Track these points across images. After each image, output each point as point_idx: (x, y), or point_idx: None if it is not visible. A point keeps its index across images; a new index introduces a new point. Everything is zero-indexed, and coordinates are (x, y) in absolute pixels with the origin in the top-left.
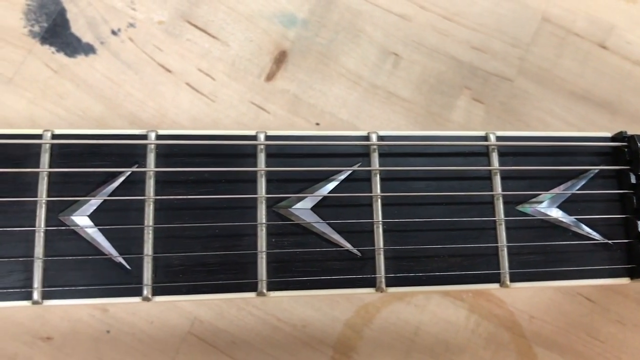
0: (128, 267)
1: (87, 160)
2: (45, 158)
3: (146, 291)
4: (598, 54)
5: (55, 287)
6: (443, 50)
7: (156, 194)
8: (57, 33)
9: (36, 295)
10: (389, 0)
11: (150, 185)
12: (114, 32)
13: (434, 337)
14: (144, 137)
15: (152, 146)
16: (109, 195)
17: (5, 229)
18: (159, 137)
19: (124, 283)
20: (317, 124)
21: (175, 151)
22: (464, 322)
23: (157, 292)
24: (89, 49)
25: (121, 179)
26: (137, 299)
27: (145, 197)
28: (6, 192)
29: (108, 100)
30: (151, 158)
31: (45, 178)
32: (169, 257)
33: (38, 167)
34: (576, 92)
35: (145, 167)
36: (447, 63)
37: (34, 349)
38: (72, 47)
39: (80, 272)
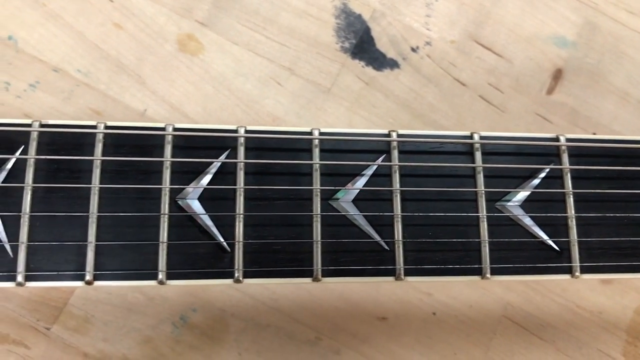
0: (557, 249)
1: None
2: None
3: (576, 271)
4: None
5: (499, 266)
6: None
7: (574, 187)
8: (364, 49)
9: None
10: None
11: (568, 180)
12: (413, 50)
13: None
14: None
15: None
16: (535, 188)
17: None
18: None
19: (554, 262)
20: (594, 133)
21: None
22: None
23: (583, 270)
24: (393, 64)
25: (539, 175)
26: (566, 276)
27: (565, 191)
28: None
29: (414, 110)
30: (565, 159)
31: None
32: (590, 241)
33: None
34: None
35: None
36: None
37: (373, 327)
38: (379, 62)
39: (518, 253)
